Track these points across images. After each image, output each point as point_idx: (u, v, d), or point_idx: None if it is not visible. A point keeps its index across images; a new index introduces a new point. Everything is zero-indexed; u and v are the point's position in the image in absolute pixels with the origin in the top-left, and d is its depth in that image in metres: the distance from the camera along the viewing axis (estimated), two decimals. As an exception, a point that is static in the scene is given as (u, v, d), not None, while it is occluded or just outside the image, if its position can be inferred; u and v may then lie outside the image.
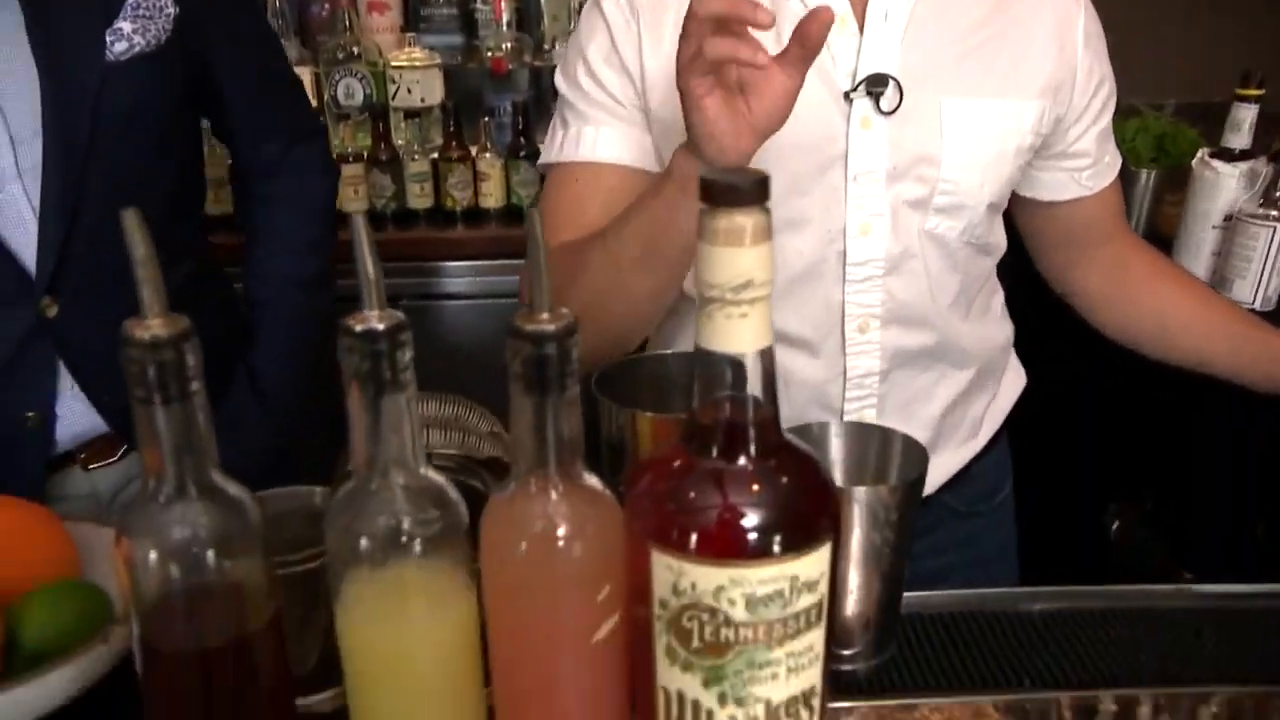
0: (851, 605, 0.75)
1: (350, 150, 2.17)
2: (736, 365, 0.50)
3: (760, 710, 0.54)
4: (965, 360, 1.09)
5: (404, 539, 0.54)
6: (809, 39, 0.76)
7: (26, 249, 1.04)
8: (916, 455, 0.75)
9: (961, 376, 1.10)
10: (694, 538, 0.51)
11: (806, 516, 0.52)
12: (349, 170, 2.12)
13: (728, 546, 0.51)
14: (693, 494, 0.52)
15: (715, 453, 0.52)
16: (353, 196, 2.15)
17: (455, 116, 2.23)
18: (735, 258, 0.48)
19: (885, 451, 0.77)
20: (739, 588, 0.51)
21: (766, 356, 0.51)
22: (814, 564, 0.52)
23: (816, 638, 0.54)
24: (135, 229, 0.48)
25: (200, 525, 0.53)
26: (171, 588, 0.54)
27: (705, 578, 0.51)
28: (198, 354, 0.51)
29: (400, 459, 0.54)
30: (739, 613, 0.51)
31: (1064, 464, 1.80)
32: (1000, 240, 1.10)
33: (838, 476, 0.78)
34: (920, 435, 0.92)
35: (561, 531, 0.53)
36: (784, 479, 0.53)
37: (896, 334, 1.03)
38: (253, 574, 0.56)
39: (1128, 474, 1.73)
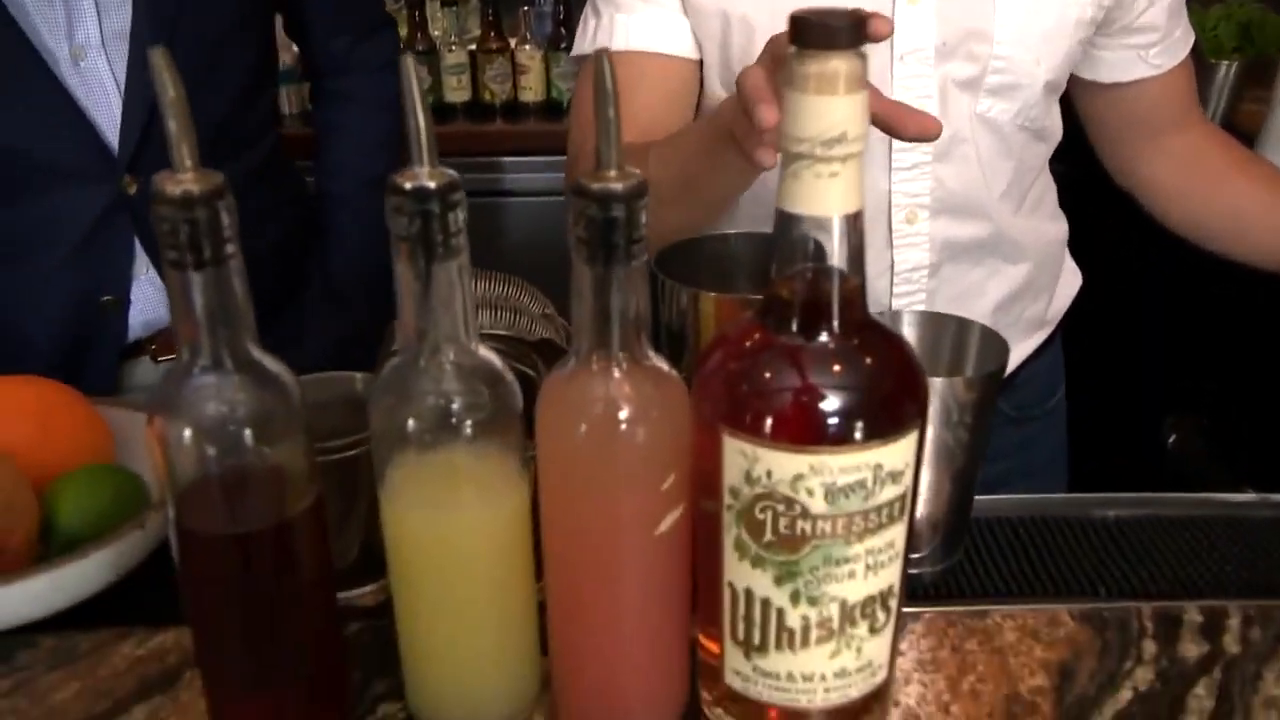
0: (920, 506, 0.71)
1: (386, 41, 2.11)
2: (822, 230, 0.45)
3: (835, 610, 0.50)
4: (1019, 255, 1.03)
5: (454, 420, 0.51)
6: None
7: (109, 124, 1.01)
8: (995, 346, 0.70)
9: (1015, 273, 1.04)
10: (770, 421, 0.47)
11: (893, 401, 0.48)
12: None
13: (807, 431, 0.47)
14: (769, 374, 0.48)
15: (794, 328, 0.48)
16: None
17: (494, 6, 2.15)
18: (827, 107, 0.43)
19: (961, 342, 0.72)
20: (818, 476, 0.47)
21: (855, 222, 0.46)
22: (899, 453, 0.48)
23: (898, 533, 0.50)
24: (164, 68, 0.43)
25: (238, 401, 0.49)
26: (207, 468, 0.50)
27: (782, 465, 0.47)
28: (233, 214, 0.47)
29: (451, 334, 0.50)
30: (817, 504, 0.47)
31: (1117, 368, 1.74)
32: (1056, 126, 1.03)
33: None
34: None
35: (624, 414, 0.49)
36: (868, 360, 0.48)
37: (946, 225, 0.97)
38: (293, 455, 0.52)
39: (1186, 378, 1.67)
